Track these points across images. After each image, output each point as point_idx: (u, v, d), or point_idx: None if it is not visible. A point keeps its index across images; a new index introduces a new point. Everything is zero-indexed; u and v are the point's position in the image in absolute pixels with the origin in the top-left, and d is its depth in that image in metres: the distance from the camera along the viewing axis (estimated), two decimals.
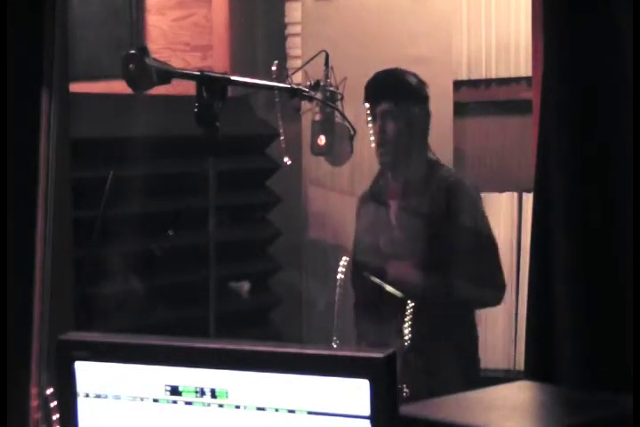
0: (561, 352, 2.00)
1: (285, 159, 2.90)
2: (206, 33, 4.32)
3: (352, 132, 3.02)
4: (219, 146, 2.41)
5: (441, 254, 3.12)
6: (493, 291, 3.25)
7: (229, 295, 3.75)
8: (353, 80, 3.34)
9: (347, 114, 3.10)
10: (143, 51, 2.42)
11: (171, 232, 3.60)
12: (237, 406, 1.44)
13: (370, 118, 3.15)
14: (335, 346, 3.05)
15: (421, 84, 3.22)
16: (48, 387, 2.34)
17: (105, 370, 1.51)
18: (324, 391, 1.38)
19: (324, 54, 3.01)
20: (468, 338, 3.21)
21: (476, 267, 3.14)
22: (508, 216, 4.21)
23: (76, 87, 2.73)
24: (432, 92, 3.84)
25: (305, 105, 3.06)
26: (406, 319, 3.11)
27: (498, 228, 4.21)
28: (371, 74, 3.30)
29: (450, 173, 3.22)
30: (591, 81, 1.97)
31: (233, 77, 2.51)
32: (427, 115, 3.22)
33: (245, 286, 3.86)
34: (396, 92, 3.15)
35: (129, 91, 2.47)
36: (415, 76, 3.23)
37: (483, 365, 4.22)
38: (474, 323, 3.26)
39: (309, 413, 1.40)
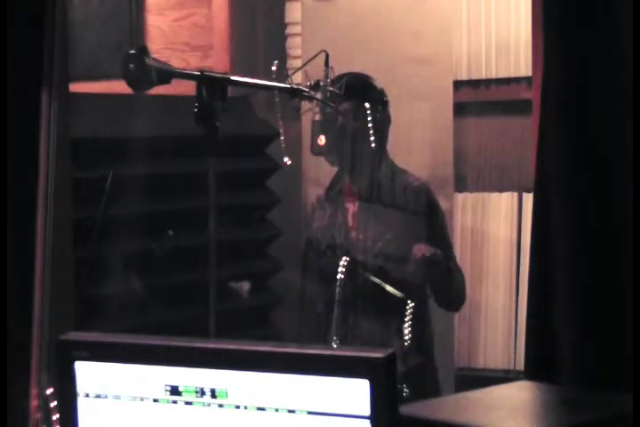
0: (561, 352, 2.00)
1: (285, 159, 2.89)
2: (206, 33, 4.32)
3: None
4: (219, 146, 2.41)
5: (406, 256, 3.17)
6: (456, 296, 3.31)
7: (229, 295, 3.75)
8: None
9: None
10: (143, 51, 2.43)
11: (171, 232, 3.59)
12: (237, 407, 1.44)
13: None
14: (335, 346, 3.05)
15: (383, 91, 3.25)
16: (48, 387, 2.34)
17: (105, 370, 1.51)
18: (324, 391, 1.38)
19: (323, 54, 3.01)
20: (424, 333, 3.24)
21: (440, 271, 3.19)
22: (508, 216, 4.22)
23: (76, 87, 2.73)
24: (432, 92, 3.85)
25: (305, 105, 3.06)
26: (406, 319, 3.12)
27: (498, 228, 4.23)
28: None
29: (414, 178, 3.24)
30: (591, 81, 1.97)
31: (233, 77, 2.51)
32: (387, 120, 3.24)
33: (245, 286, 3.86)
34: (359, 93, 3.17)
35: (129, 91, 2.48)
36: (382, 89, 3.25)
37: (483, 365, 4.24)
38: (429, 318, 3.30)
39: (309, 413, 1.40)
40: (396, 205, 3.20)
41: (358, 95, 3.16)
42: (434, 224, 3.23)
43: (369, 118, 3.13)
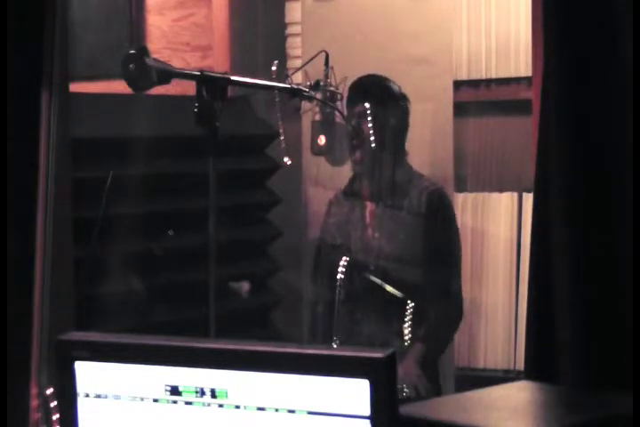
0: (561, 352, 2.00)
1: (285, 159, 2.90)
2: (206, 33, 4.32)
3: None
4: (219, 146, 2.41)
5: (416, 258, 3.17)
6: (452, 309, 3.29)
7: (229, 295, 3.75)
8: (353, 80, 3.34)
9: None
10: (143, 51, 2.43)
11: (171, 232, 3.60)
12: (237, 407, 1.44)
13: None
14: (335, 346, 3.05)
15: (402, 95, 3.26)
16: (48, 387, 2.34)
17: (105, 370, 1.51)
18: (324, 391, 1.38)
19: (323, 54, 3.01)
20: None
21: (440, 280, 3.20)
22: (508, 216, 4.21)
23: (76, 87, 2.73)
24: (432, 92, 3.85)
25: (305, 105, 3.06)
26: (406, 319, 3.12)
27: (498, 228, 4.22)
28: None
29: (431, 182, 3.25)
30: (591, 81, 1.97)
31: (233, 77, 2.51)
32: (403, 122, 3.24)
33: (245, 286, 3.86)
34: (374, 95, 3.18)
35: (129, 91, 2.48)
36: (400, 89, 3.25)
37: (483, 365, 4.24)
38: None
39: (309, 413, 1.40)
40: (410, 208, 3.20)
41: (371, 97, 3.17)
42: (445, 230, 3.23)
43: (369, 118, 3.13)
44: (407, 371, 3.08)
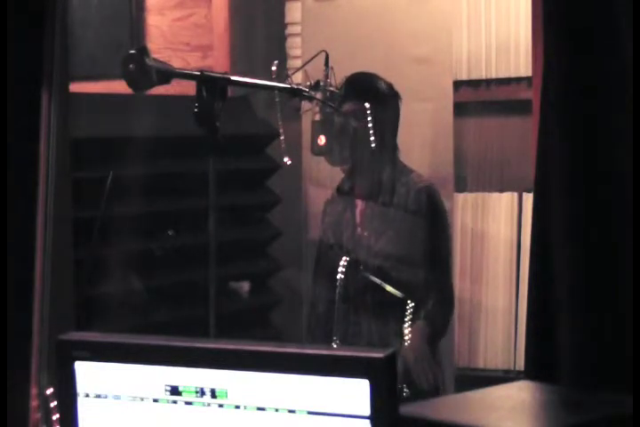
0: (561, 352, 2.00)
1: (285, 159, 2.89)
2: (206, 33, 4.33)
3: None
4: (219, 146, 2.41)
5: (406, 256, 3.17)
6: (442, 306, 3.27)
7: (229, 295, 3.75)
8: None
9: None
10: (143, 51, 2.43)
11: (171, 232, 3.60)
12: (237, 407, 1.44)
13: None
14: (335, 346, 3.05)
15: (392, 91, 3.24)
16: (48, 387, 2.34)
17: (105, 370, 1.51)
18: (324, 391, 1.38)
19: (323, 54, 3.01)
20: None
21: (431, 275, 3.20)
22: (508, 216, 4.21)
23: (76, 87, 2.73)
24: (432, 92, 3.85)
25: (305, 105, 3.05)
26: (406, 319, 3.12)
27: (498, 228, 4.23)
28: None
29: (421, 179, 3.24)
30: (591, 81, 1.97)
31: (233, 77, 2.51)
32: (393, 119, 3.23)
33: (245, 286, 3.86)
34: (362, 92, 3.17)
35: (129, 91, 2.48)
36: (390, 85, 3.25)
37: (483, 365, 4.24)
38: None
39: (309, 413, 1.40)
40: (400, 204, 3.20)
41: (360, 95, 3.16)
42: (434, 226, 3.23)
43: (369, 118, 3.13)
44: (415, 347, 3.09)
